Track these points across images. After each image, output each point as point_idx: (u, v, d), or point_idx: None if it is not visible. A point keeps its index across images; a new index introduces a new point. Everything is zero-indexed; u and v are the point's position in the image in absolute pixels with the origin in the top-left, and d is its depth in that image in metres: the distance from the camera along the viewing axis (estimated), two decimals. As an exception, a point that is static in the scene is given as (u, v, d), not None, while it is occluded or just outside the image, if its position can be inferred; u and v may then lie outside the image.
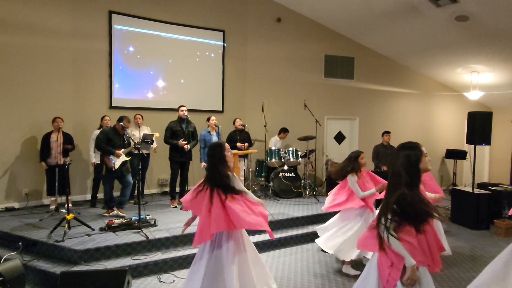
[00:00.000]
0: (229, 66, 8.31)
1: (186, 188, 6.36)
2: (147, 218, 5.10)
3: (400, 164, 2.27)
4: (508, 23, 6.83)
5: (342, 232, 4.35)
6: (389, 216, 2.22)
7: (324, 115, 9.28)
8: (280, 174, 7.20)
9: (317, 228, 4.81)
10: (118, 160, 5.42)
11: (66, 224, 4.64)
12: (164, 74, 7.67)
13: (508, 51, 7.89)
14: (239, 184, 3.18)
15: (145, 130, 6.60)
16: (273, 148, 7.50)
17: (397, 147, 2.38)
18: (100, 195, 6.24)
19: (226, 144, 3.26)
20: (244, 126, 7.20)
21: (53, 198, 5.98)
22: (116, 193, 5.73)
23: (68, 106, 6.71)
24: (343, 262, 4.40)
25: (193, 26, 7.85)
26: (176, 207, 6.26)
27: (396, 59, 10.03)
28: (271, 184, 7.21)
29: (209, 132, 6.57)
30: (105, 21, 7.00)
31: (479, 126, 6.62)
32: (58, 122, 5.93)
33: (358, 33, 9.11)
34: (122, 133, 5.56)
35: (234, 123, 7.28)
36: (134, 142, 5.47)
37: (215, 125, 6.49)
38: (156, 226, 5.04)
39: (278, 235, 5.31)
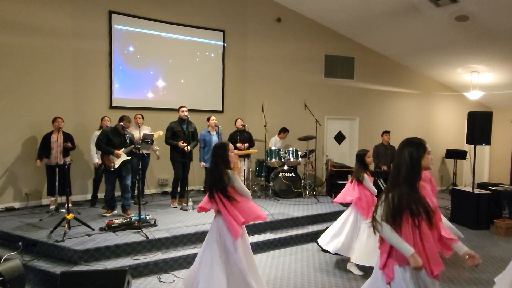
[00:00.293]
0: (229, 66, 8.31)
1: (186, 188, 6.38)
2: (147, 218, 5.10)
3: (403, 159, 2.28)
4: (508, 23, 6.83)
5: (346, 230, 4.40)
6: (383, 210, 2.25)
7: (324, 115, 9.28)
8: (280, 174, 7.20)
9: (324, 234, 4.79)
10: (118, 160, 5.42)
11: (66, 224, 4.63)
12: (164, 74, 7.67)
13: (508, 51, 7.89)
14: (240, 183, 3.19)
15: (145, 130, 6.60)
16: (273, 148, 7.50)
17: (402, 141, 2.38)
18: (100, 195, 6.25)
19: (230, 144, 3.29)
20: (244, 126, 7.21)
21: (53, 198, 5.98)
22: (116, 193, 5.72)
23: (68, 106, 6.72)
24: (349, 260, 4.45)
25: (193, 26, 7.85)
26: (176, 207, 6.26)
27: (396, 59, 10.02)
28: (271, 184, 7.22)
29: (209, 132, 6.58)
30: (105, 21, 7.01)
31: (479, 126, 6.63)
32: (59, 122, 5.92)
33: (358, 33, 9.11)
34: (123, 133, 5.56)
35: (235, 123, 7.28)
36: (135, 142, 5.47)
37: (215, 125, 6.50)
38: (156, 226, 5.04)
39: (278, 235, 5.31)
